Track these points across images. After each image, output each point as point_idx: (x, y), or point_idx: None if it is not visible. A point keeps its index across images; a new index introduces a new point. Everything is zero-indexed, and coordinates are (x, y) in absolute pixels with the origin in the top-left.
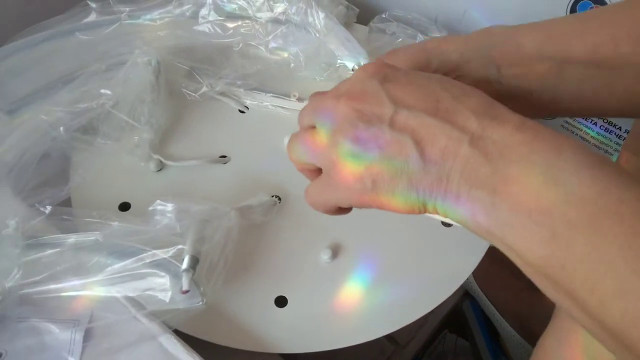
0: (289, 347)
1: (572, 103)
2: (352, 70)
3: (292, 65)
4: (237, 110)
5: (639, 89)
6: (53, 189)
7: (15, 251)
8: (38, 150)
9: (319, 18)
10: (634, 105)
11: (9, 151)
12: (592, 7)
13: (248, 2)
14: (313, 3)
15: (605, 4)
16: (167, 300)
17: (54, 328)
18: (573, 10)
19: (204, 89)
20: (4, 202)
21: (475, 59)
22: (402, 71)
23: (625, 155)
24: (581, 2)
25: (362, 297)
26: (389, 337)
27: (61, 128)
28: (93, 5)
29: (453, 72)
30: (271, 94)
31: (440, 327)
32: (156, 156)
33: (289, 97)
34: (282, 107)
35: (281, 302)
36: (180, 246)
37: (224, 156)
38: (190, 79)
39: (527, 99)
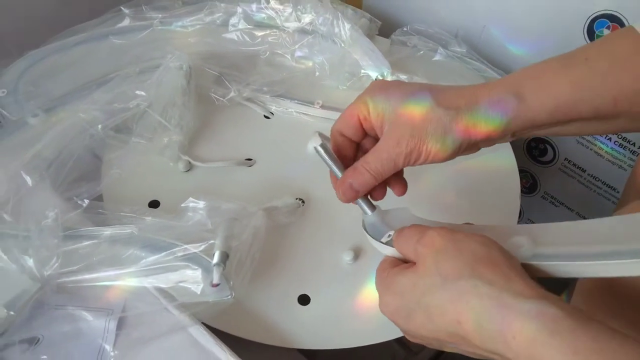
0: (308, 344)
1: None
2: (376, 80)
3: (317, 73)
4: (263, 116)
5: (630, 128)
6: (89, 183)
7: (54, 241)
8: (75, 146)
9: (344, 29)
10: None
11: (48, 147)
12: (608, 26)
13: (276, 12)
14: (339, 15)
15: (623, 24)
16: (199, 292)
17: (88, 316)
18: (590, 29)
19: (232, 94)
20: (44, 195)
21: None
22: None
23: None
24: (598, 20)
25: None
26: (402, 343)
27: (99, 126)
28: (127, 11)
29: None
30: (296, 101)
31: None
32: (185, 157)
33: (313, 104)
34: (306, 114)
35: (304, 300)
36: (211, 241)
37: (250, 159)
38: (219, 85)
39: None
